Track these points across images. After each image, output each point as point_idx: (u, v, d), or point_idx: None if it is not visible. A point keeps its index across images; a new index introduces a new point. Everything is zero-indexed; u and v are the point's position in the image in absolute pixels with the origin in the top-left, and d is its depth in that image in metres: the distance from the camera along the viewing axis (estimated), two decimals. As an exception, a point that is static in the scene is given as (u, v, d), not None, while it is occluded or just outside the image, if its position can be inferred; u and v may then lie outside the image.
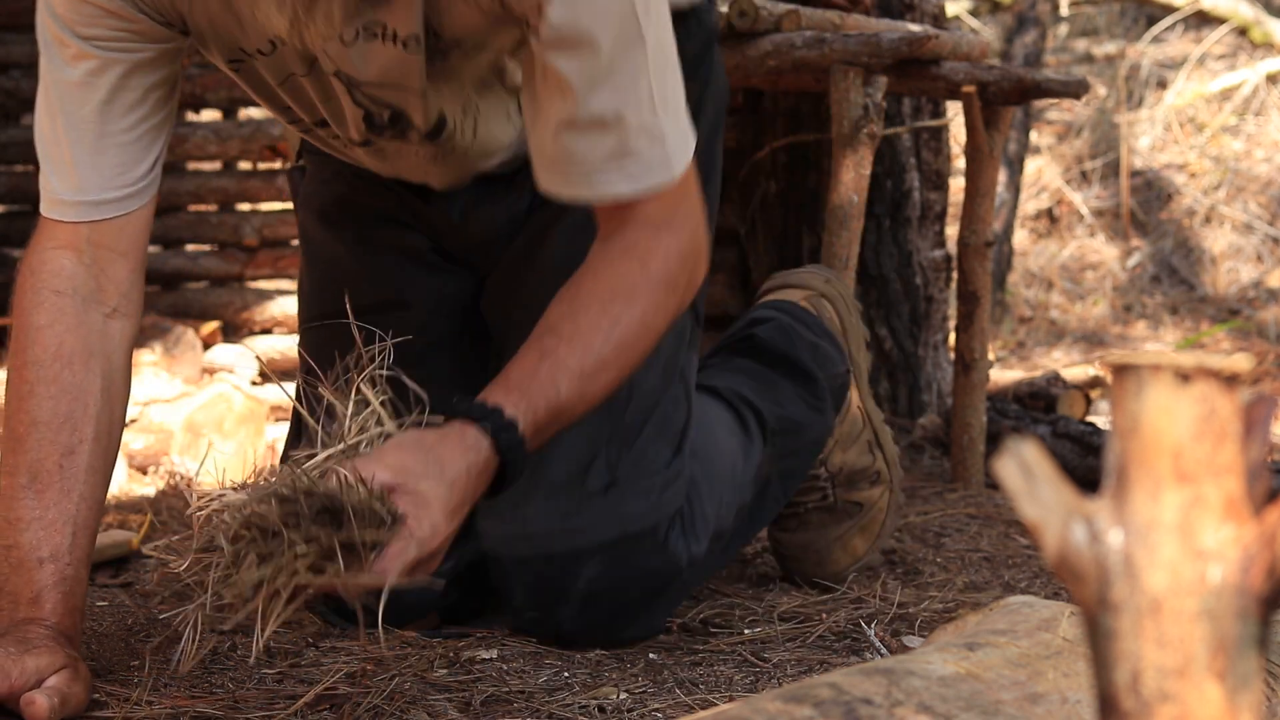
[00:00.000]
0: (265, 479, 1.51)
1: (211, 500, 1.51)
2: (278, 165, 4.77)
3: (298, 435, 2.11)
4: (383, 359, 1.62)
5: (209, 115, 4.95)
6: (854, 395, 2.45)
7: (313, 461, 1.55)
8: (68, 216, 1.85)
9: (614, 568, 1.98)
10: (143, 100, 1.85)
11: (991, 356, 3.82)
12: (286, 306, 4.70)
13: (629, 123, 1.76)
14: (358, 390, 1.60)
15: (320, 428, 1.60)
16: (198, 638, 1.57)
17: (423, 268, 2.20)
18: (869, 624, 2.10)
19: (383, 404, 1.62)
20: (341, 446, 1.57)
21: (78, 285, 1.83)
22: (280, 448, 3.91)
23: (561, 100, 1.76)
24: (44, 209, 1.87)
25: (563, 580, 1.98)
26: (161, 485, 3.61)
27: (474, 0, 1.79)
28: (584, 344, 1.73)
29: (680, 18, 2.08)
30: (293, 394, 1.73)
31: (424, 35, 1.83)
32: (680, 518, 2.04)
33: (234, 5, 1.81)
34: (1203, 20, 9.10)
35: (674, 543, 2.02)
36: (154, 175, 1.88)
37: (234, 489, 1.51)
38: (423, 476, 1.56)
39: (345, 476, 1.49)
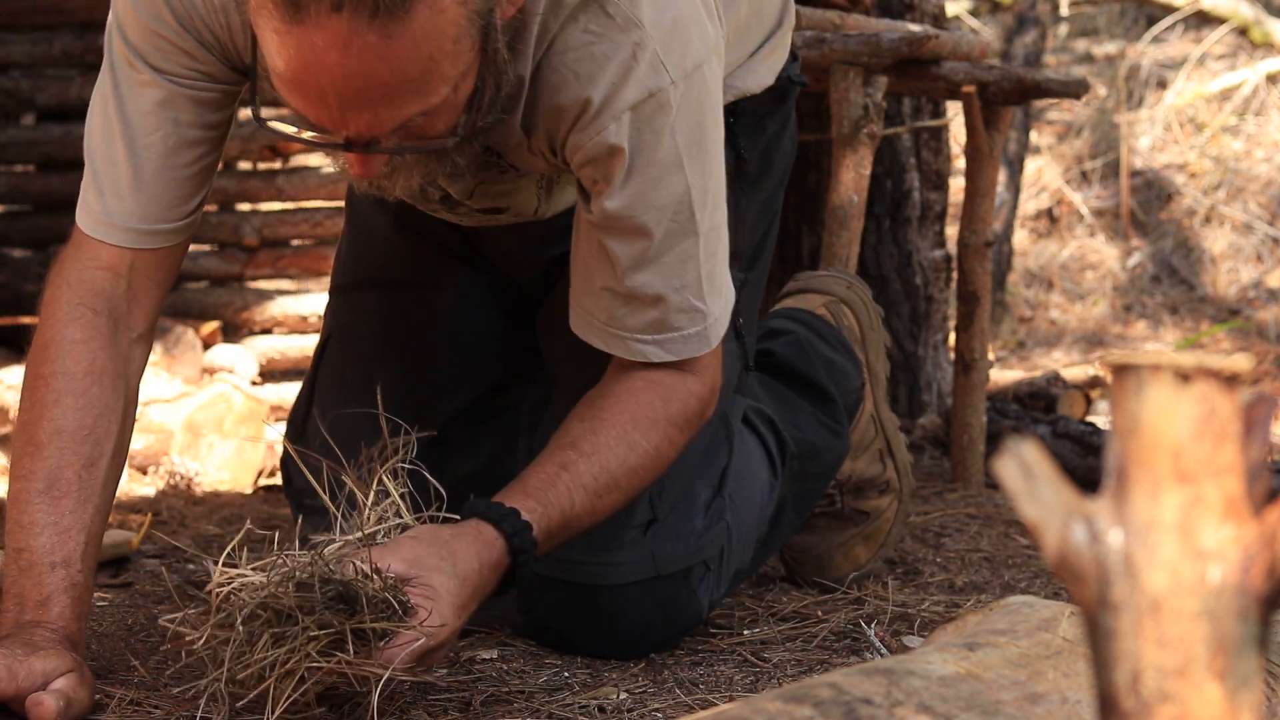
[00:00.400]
0: (283, 561, 1.57)
1: (231, 580, 1.57)
2: (277, 165, 4.77)
3: (301, 509, 2.13)
4: (406, 451, 1.68)
5: (209, 115, 4.95)
6: (868, 403, 2.44)
7: (331, 548, 1.61)
8: (115, 240, 1.85)
9: (642, 605, 1.98)
10: (203, 139, 1.86)
11: (991, 356, 3.82)
12: (286, 306, 4.70)
13: (671, 302, 1.83)
14: (379, 481, 1.66)
15: (339, 515, 1.66)
16: (222, 709, 1.62)
17: (455, 257, 2.24)
18: (869, 624, 2.10)
19: (402, 496, 1.69)
20: (359, 535, 1.63)
21: (114, 308, 1.84)
22: (279, 449, 3.91)
23: (610, 270, 1.83)
24: (88, 226, 1.86)
25: (597, 608, 1.98)
26: (161, 485, 3.61)
27: (540, 154, 1.83)
28: (601, 464, 1.81)
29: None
30: (311, 477, 1.78)
31: (482, 154, 1.85)
32: (710, 566, 2.04)
33: None
34: (1203, 20, 9.10)
35: (701, 593, 2.03)
36: (200, 211, 1.91)
37: (253, 570, 1.56)
38: (435, 570, 1.61)
39: (360, 567, 1.55)
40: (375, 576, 1.55)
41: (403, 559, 1.59)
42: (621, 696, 1.80)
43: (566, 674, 1.91)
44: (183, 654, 1.65)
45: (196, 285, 4.80)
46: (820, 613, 2.19)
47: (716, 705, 1.45)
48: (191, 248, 5.35)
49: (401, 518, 1.67)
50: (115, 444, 1.82)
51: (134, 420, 1.89)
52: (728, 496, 2.07)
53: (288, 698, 1.54)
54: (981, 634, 1.26)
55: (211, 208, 4.78)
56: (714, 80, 1.82)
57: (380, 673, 1.55)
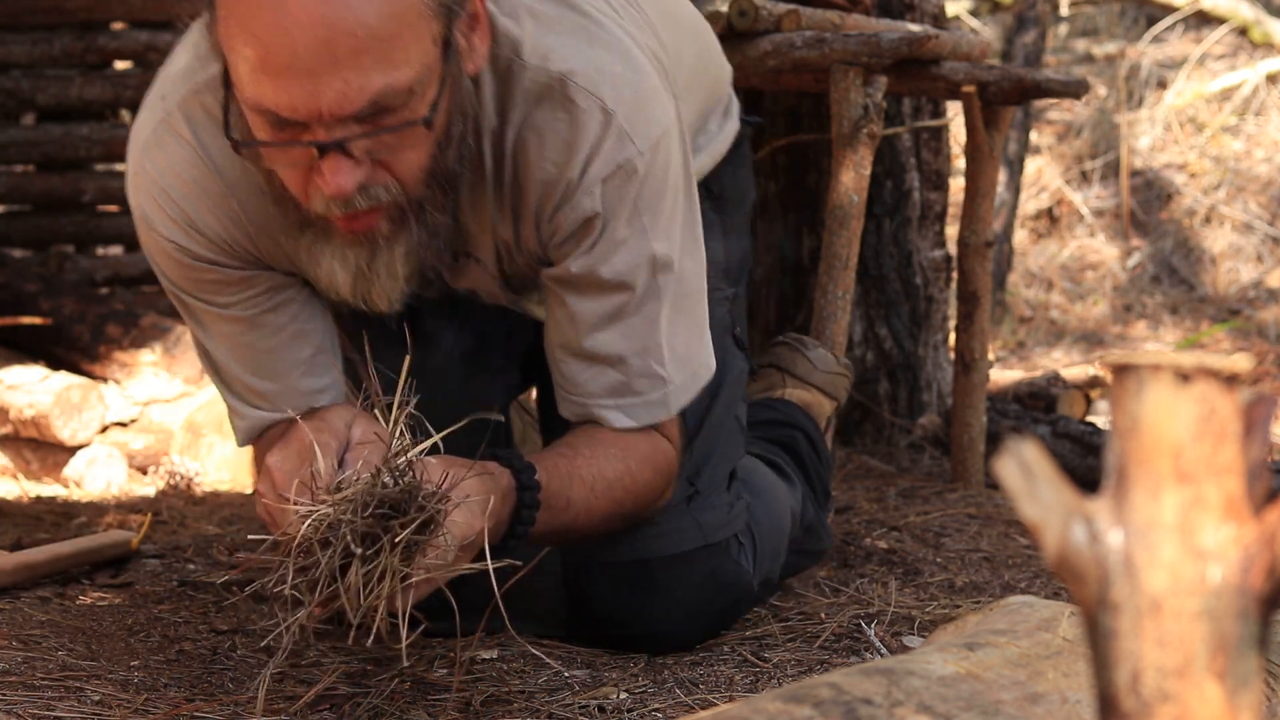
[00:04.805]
0: (340, 487, 1.59)
1: (302, 512, 1.58)
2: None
3: None
4: (410, 386, 1.69)
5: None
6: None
7: (361, 475, 1.61)
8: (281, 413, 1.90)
9: (694, 574, 2.04)
10: (300, 316, 1.92)
11: (991, 356, 3.82)
12: (286, 306, 4.69)
13: (632, 365, 1.89)
14: (384, 413, 1.68)
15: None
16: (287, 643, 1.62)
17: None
18: (869, 624, 2.10)
19: (410, 429, 1.71)
20: (389, 453, 1.63)
21: None
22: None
23: (572, 330, 1.88)
24: (250, 433, 1.95)
25: (652, 583, 2.02)
26: (161, 485, 3.61)
27: (522, 248, 1.88)
28: (598, 470, 1.88)
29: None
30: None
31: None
32: (742, 541, 2.12)
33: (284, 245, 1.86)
34: (1203, 20, 9.10)
35: (744, 562, 2.11)
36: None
37: (320, 502, 1.58)
38: (466, 487, 1.66)
39: (421, 478, 1.59)
40: (425, 489, 1.59)
41: (439, 473, 1.64)
42: (621, 696, 1.80)
43: (566, 674, 1.91)
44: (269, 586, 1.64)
45: (196, 285, 4.81)
46: (820, 613, 2.20)
47: (716, 705, 1.45)
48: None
49: (405, 447, 1.69)
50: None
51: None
52: (741, 480, 2.16)
53: (404, 611, 1.55)
54: (981, 634, 1.26)
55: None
56: (677, 149, 1.88)
57: (453, 568, 1.60)
